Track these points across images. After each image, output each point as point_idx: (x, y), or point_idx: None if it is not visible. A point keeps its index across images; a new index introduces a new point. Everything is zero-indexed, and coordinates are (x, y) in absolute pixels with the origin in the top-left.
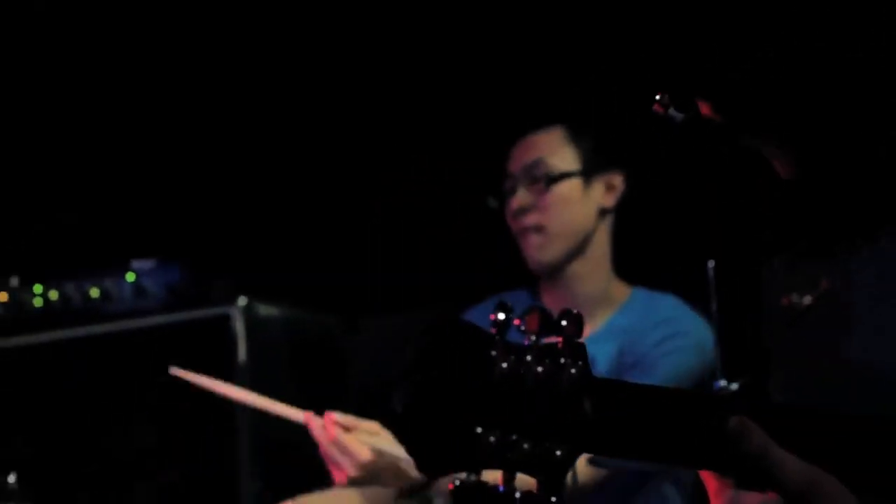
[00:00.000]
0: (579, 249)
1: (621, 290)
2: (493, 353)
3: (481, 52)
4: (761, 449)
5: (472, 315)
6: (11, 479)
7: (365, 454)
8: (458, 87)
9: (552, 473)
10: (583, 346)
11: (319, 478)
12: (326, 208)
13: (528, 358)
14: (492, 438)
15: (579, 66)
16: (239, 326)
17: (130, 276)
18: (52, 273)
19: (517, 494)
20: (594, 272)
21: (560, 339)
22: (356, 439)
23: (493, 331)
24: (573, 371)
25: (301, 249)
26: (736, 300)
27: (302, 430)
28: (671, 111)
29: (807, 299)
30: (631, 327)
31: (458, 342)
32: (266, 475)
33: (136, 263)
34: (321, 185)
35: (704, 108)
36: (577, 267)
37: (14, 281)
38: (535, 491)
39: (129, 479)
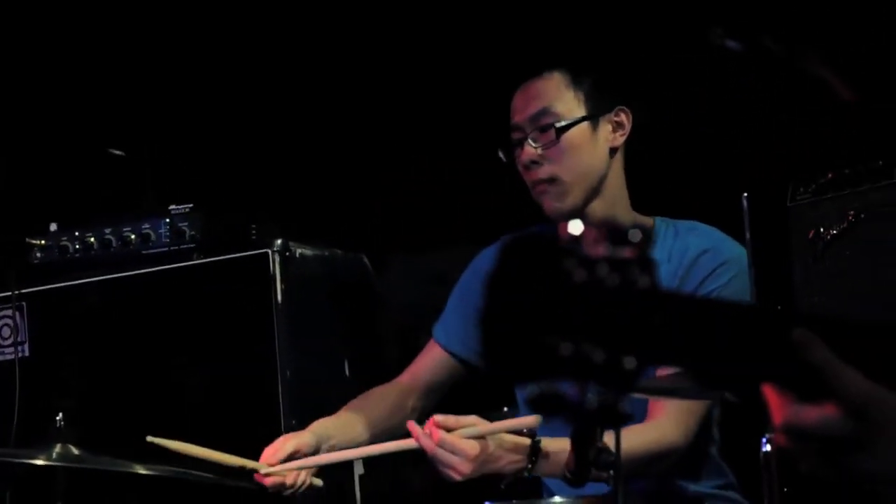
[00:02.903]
0: (595, 191)
1: (645, 223)
2: (569, 263)
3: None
4: (823, 361)
5: (486, 255)
6: (59, 417)
7: (473, 448)
8: (471, 34)
9: (623, 383)
10: (652, 260)
11: None
12: (357, 150)
13: (602, 269)
14: (567, 348)
15: (573, 5)
16: (276, 267)
17: (168, 220)
18: (90, 218)
19: (591, 405)
20: (614, 209)
21: (632, 253)
22: (460, 436)
23: (569, 241)
24: (644, 283)
25: (333, 190)
26: (767, 232)
27: (337, 378)
28: (728, 42)
29: (833, 232)
30: (667, 257)
31: (534, 253)
32: (302, 415)
33: (173, 207)
34: (351, 131)
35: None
36: (594, 208)
37: (53, 226)
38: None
39: (172, 419)
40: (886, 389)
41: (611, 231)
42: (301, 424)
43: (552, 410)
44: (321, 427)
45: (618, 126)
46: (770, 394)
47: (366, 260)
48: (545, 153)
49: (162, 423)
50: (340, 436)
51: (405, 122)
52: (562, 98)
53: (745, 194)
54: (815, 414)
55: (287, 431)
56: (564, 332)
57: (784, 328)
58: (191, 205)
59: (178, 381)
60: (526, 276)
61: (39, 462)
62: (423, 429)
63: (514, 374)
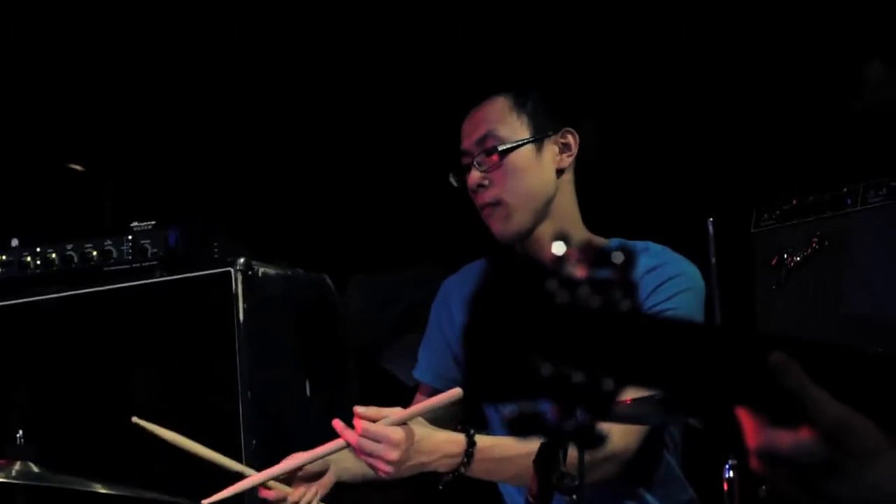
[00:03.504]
0: (544, 213)
1: (598, 243)
2: (552, 284)
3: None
4: (799, 384)
5: (452, 283)
6: (18, 434)
7: (397, 434)
8: (438, 52)
9: (601, 405)
10: (635, 282)
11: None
12: (320, 170)
13: (584, 291)
14: (546, 368)
15: (513, 31)
16: (238, 285)
17: (130, 237)
18: (51, 234)
19: (568, 425)
20: (563, 230)
21: (614, 275)
22: (383, 425)
23: (551, 262)
24: (625, 305)
25: (296, 210)
26: (731, 257)
27: (297, 397)
28: None
29: (796, 258)
30: None
31: (517, 273)
32: (262, 434)
33: (135, 224)
34: (315, 148)
35: None
36: (544, 230)
37: (14, 242)
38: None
39: (132, 437)
40: (858, 413)
41: (594, 252)
42: (261, 445)
43: (531, 430)
44: None
45: (564, 147)
46: (744, 417)
47: (328, 280)
48: (489, 176)
49: (122, 441)
50: (350, 461)
51: (367, 145)
52: (505, 121)
53: (711, 219)
54: (790, 439)
55: (247, 452)
56: (545, 352)
57: (761, 351)
58: (153, 222)
59: (138, 399)
60: (507, 296)
61: None
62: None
63: (494, 395)
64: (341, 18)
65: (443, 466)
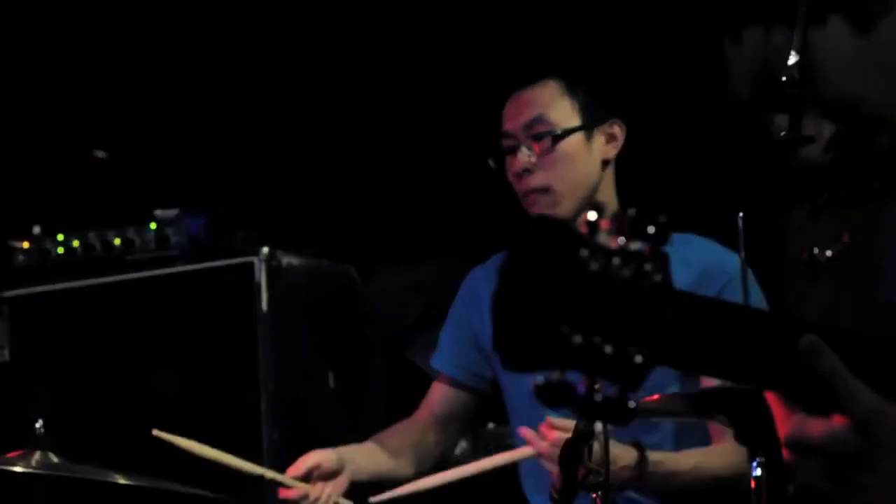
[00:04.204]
0: (587, 203)
1: None
2: (584, 252)
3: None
4: (832, 369)
5: (477, 275)
6: (38, 424)
7: None
8: (458, 40)
9: (631, 378)
10: (666, 255)
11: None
12: (346, 159)
13: (616, 261)
14: (576, 338)
15: (567, 15)
16: (261, 276)
17: (153, 225)
18: (74, 222)
19: (598, 397)
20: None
21: (647, 247)
22: None
23: (584, 230)
24: (657, 278)
25: (320, 199)
26: (761, 252)
27: (320, 389)
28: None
29: (828, 252)
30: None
31: (549, 240)
32: (284, 426)
33: (159, 212)
34: (340, 136)
35: None
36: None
37: (36, 229)
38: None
39: (152, 427)
40: (891, 405)
41: (627, 223)
42: (283, 437)
43: (558, 401)
44: (346, 449)
45: (611, 138)
46: (775, 404)
47: (353, 271)
48: (539, 161)
49: (142, 432)
50: (365, 461)
51: (394, 133)
52: (557, 106)
53: (741, 213)
54: (821, 428)
55: (268, 444)
56: (575, 321)
57: (793, 334)
58: (177, 210)
59: (158, 389)
60: (539, 263)
61: (18, 469)
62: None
63: (523, 363)
64: (369, 4)
65: (618, 478)
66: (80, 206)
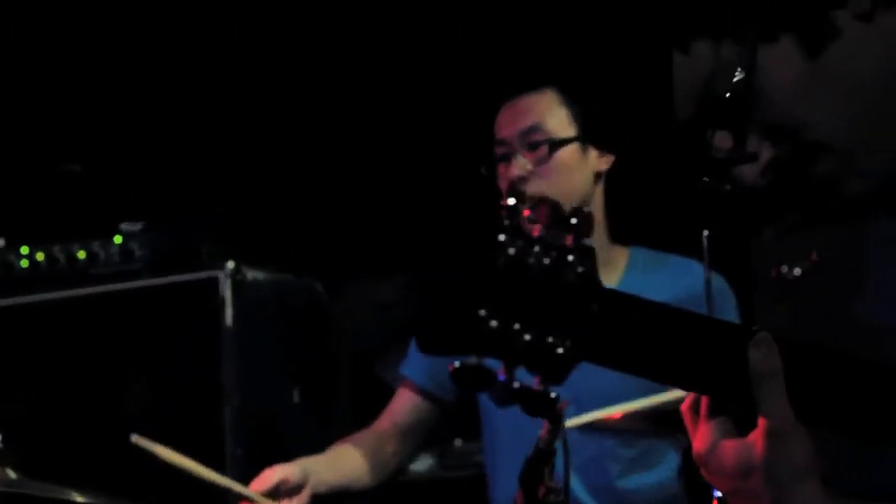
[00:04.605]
0: None
1: (620, 252)
2: (502, 237)
3: (463, 12)
4: (774, 371)
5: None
6: None
7: None
8: (441, 51)
9: (553, 370)
10: (592, 248)
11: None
12: (312, 173)
13: (536, 248)
14: (494, 323)
15: (567, 27)
16: (226, 290)
17: (118, 239)
18: (39, 234)
19: (515, 384)
20: (594, 233)
21: (570, 239)
22: None
23: (504, 214)
24: (580, 270)
25: (287, 214)
26: (728, 270)
27: (285, 404)
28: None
29: (797, 270)
30: (651, 285)
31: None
32: (248, 441)
33: (124, 226)
34: (307, 150)
35: None
36: None
37: (0, 242)
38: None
39: (114, 443)
40: (804, 430)
41: (551, 213)
42: (247, 452)
43: (475, 386)
44: (309, 462)
45: (605, 151)
46: (688, 416)
47: (319, 286)
48: (535, 169)
49: (104, 448)
50: (326, 473)
51: (361, 148)
52: (554, 115)
53: (706, 232)
54: (735, 446)
55: (232, 459)
56: (492, 306)
57: (728, 338)
58: (142, 224)
59: (121, 404)
60: (458, 249)
61: None
62: None
63: (440, 347)
64: (332, 21)
65: None
66: (45, 219)
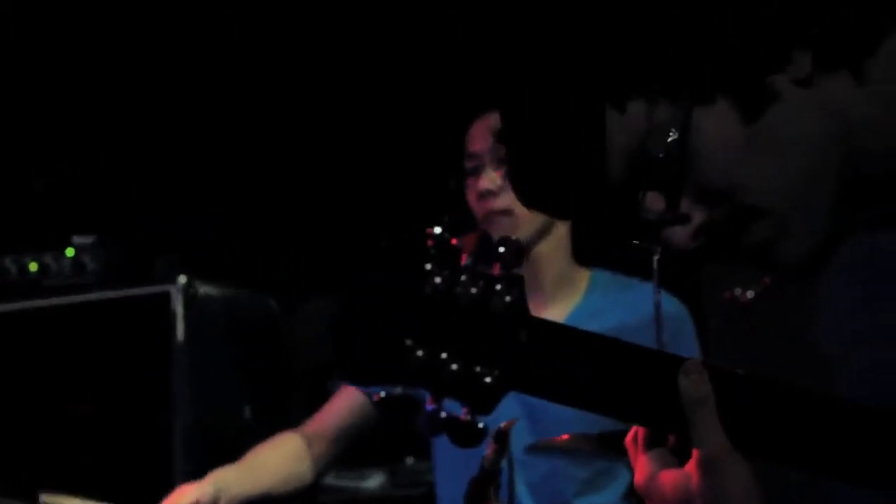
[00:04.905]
0: (546, 231)
1: (582, 274)
2: (428, 266)
3: (435, 25)
4: (704, 398)
5: None
6: None
7: None
8: (409, 63)
9: (481, 399)
10: (521, 277)
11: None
12: (266, 188)
13: (463, 278)
14: (420, 353)
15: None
16: (178, 305)
17: (70, 252)
18: None
19: (443, 414)
20: (557, 253)
21: (497, 267)
22: None
23: (430, 244)
24: (508, 299)
25: (242, 229)
26: (680, 292)
27: (237, 421)
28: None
29: (749, 294)
30: (611, 307)
31: (394, 252)
32: (199, 458)
33: (76, 239)
34: (261, 164)
35: None
36: (543, 247)
37: None
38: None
39: (64, 455)
40: (739, 457)
41: (479, 242)
42: (198, 471)
43: (401, 415)
44: (220, 477)
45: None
46: (631, 448)
47: (272, 302)
48: (504, 184)
49: (51, 467)
50: (240, 486)
51: (318, 165)
52: None
53: (656, 256)
54: (672, 478)
55: (183, 479)
56: (418, 336)
57: (660, 368)
58: (94, 237)
59: (70, 421)
60: (384, 278)
61: None
62: None
63: (366, 377)
64: (288, 37)
65: None
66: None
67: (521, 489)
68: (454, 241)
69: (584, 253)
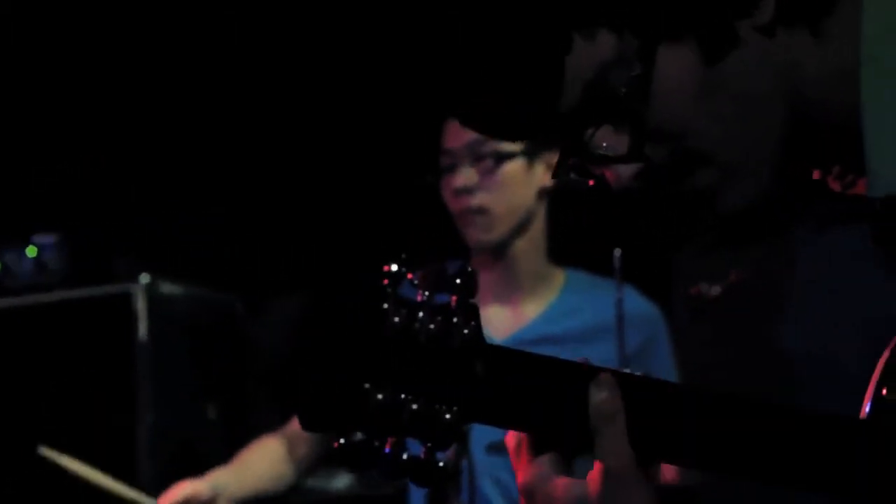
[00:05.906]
0: (522, 230)
1: (557, 273)
2: (385, 306)
3: (408, 21)
4: (613, 412)
5: None
6: None
7: None
8: (382, 60)
9: (442, 436)
10: (476, 306)
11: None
12: (231, 186)
13: (421, 314)
14: (380, 396)
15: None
16: (140, 304)
17: (31, 251)
18: None
19: (404, 456)
20: (533, 251)
21: (454, 298)
22: None
23: (385, 283)
24: (465, 331)
25: (205, 228)
26: (646, 286)
27: (200, 421)
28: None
29: (715, 290)
30: (585, 307)
31: (350, 293)
32: (162, 458)
33: (37, 238)
34: (226, 162)
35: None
36: (519, 245)
37: None
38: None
39: (23, 457)
40: (642, 474)
41: (434, 274)
42: (161, 469)
43: (362, 463)
44: (217, 477)
45: (551, 167)
46: (512, 449)
47: (237, 301)
48: (480, 182)
49: (13, 463)
50: (237, 487)
51: (287, 165)
52: None
53: (618, 250)
54: (565, 488)
55: (146, 477)
56: (378, 379)
57: (581, 380)
58: (55, 236)
59: (32, 418)
60: (339, 318)
61: None
62: None
63: (324, 425)
64: (256, 38)
65: None
66: None
67: (487, 488)
68: (409, 276)
69: (560, 251)
